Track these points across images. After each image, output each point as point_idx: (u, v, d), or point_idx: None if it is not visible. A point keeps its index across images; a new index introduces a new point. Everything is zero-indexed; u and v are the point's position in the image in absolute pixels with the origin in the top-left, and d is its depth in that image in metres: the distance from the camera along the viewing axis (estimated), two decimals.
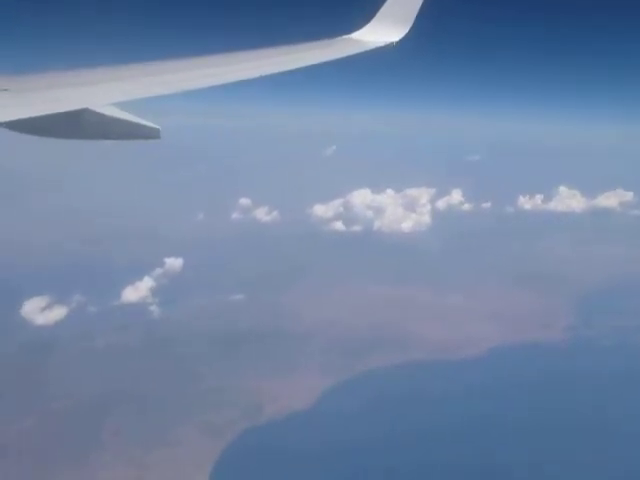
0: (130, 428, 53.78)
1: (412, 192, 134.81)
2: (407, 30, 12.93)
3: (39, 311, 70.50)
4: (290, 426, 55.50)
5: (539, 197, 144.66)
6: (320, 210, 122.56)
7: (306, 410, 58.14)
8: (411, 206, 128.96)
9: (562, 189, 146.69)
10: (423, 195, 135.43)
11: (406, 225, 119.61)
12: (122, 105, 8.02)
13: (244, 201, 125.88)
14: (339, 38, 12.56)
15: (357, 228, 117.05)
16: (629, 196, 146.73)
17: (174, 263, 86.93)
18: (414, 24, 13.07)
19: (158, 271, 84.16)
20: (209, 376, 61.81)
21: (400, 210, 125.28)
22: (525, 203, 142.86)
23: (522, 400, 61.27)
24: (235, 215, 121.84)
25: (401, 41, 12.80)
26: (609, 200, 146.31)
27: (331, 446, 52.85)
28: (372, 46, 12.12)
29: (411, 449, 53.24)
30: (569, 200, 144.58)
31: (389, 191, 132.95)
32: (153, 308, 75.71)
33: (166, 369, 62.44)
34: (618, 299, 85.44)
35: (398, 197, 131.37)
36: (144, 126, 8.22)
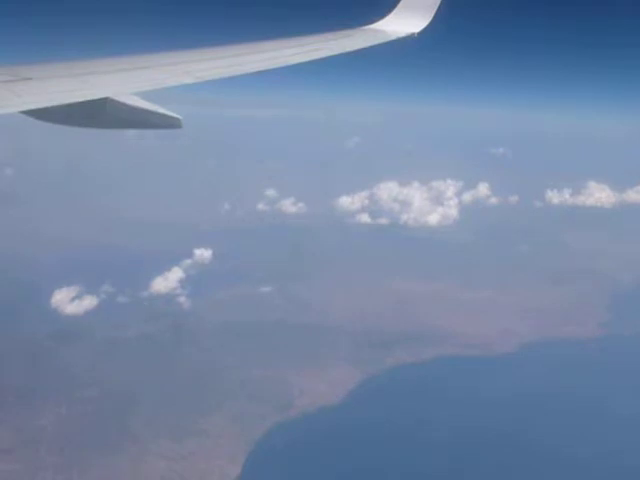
0: (160, 418, 54.00)
1: (438, 185, 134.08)
2: (428, 21, 12.88)
3: (69, 301, 70.94)
4: (322, 420, 55.50)
5: (567, 191, 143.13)
6: (346, 202, 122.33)
7: (337, 404, 58.11)
8: (437, 199, 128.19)
9: (591, 183, 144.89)
10: (449, 188, 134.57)
11: (433, 218, 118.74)
12: (143, 94, 8.02)
13: (270, 192, 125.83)
14: (360, 28, 12.53)
15: (383, 221, 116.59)
16: None
17: (202, 254, 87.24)
18: (435, 15, 13.01)
19: (187, 262, 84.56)
20: (238, 368, 61.77)
21: (427, 203, 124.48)
22: (553, 197, 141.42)
23: (554, 396, 60.81)
24: (261, 206, 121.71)
25: (422, 32, 12.73)
26: (639, 195, 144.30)
27: (363, 441, 52.77)
28: (393, 37, 12.10)
29: (443, 445, 52.99)
30: (598, 194, 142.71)
31: (415, 184, 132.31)
32: (182, 299, 75.97)
33: (195, 360, 62.55)
34: None
35: (424, 190, 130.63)
36: (166, 115, 8.20)
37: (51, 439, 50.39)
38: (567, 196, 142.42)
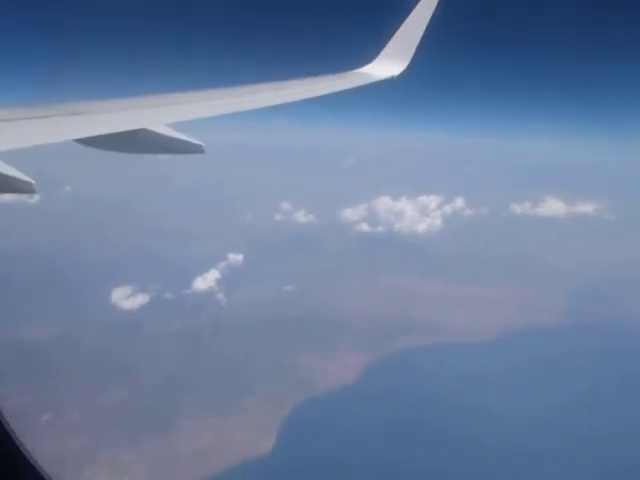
0: (205, 398, 52.68)
1: (423, 199, 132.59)
2: (406, 66, 13.02)
3: (125, 298, 69.74)
4: (341, 396, 54.66)
5: (527, 204, 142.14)
6: (348, 213, 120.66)
7: (353, 383, 57.38)
8: (423, 211, 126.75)
9: (547, 197, 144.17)
10: (432, 202, 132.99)
11: (421, 227, 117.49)
12: (173, 125, 8.01)
13: (284, 205, 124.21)
14: (350, 72, 12.69)
15: (380, 229, 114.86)
16: (603, 203, 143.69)
17: (235, 258, 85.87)
18: (412, 60, 13.24)
19: (222, 265, 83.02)
20: (268, 354, 60.64)
21: (415, 214, 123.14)
22: (516, 209, 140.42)
23: (532, 372, 59.92)
24: (278, 217, 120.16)
25: (400, 75, 13.01)
26: (586, 207, 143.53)
27: (378, 412, 51.68)
28: (377, 79, 12.30)
29: (444, 412, 52.13)
30: (553, 206, 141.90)
31: (404, 198, 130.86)
32: (220, 296, 74.70)
33: (232, 348, 61.19)
34: (600, 289, 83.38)
35: (412, 203, 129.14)
36: (191, 143, 7.96)
37: (115, 418, 49.03)
38: (527, 208, 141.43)
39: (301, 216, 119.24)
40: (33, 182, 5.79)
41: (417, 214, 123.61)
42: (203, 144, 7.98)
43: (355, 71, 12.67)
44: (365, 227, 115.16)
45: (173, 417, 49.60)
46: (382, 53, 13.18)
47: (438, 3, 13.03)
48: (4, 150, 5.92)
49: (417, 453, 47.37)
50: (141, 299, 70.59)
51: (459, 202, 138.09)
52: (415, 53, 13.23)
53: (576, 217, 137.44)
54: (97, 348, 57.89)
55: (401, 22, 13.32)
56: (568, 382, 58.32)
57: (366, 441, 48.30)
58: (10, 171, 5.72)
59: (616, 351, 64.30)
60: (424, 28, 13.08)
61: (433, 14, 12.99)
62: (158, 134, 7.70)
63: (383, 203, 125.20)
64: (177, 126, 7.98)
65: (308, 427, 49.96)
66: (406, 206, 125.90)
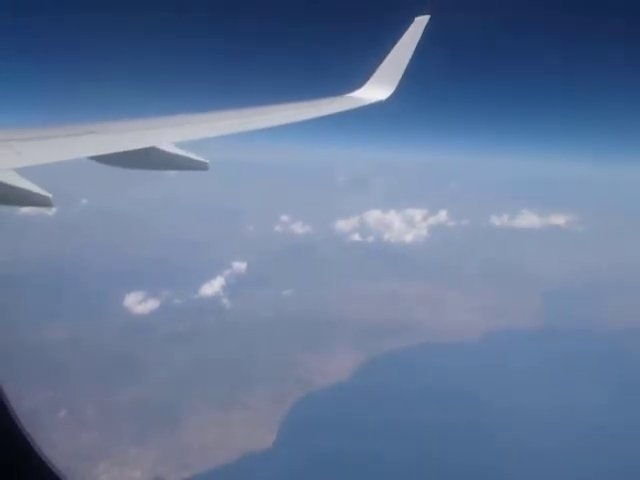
0: (211, 394, 52.14)
1: (410, 212, 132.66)
2: (393, 91, 13.22)
3: (137, 303, 69.25)
4: (337, 393, 54.09)
5: (506, 216, 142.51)
6: (342, 225, 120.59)
7: (348, 381, 56.95)
8: (410, 222, 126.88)
9: (523, 210, 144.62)
10: (418, 215, 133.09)
11: (408, 237, 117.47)
12: (180, 144, 8.05)
13: (283, 218, 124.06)
14: (343, 96, 12.86)
15: (371, 239, 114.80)
16: (573, 216, 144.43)
17: (239, 266, 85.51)
18: (399, 86, 13.41)
19: (227, 272, 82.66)
20: (269, 354, 60.03)
21: (402, 225, 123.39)
22: (496, 221, 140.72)
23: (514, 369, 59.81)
24: (277, 228, 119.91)
25: (387, 99, 13.19)
26: (558, 219, 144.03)
27: (373, 409, 51.26)
28: (366, 102, 12.52)
29: (432, 404, 52.18)
30: (529, 218, 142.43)
31: (392, 211, 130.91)
32: (225, 301, 74.32)
33: (236, 348, 60.74)
34: (571, 294, 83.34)
35: (400, 215, 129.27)
36: (196, 160, 7.94)
37: (127, 414, 48.43)
38: (506, 220, 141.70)
39: (299, 227, 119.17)
40: (50, 196, 5.69)
41: (404, 225, 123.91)
42: (208, 161, 7.96)
43: (347, 95, 12.70)
44: (357, 237, 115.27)
45: (180, 413, 49.00)
46: (371, 79, 13.24)
47: (423, 32, 13.09)
48: (24, 166, 5.86)
49: (406, 444, 46.94)
50: (152, 304, 70.22)
51: (443, 215, 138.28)
52: (402, 78, 13.27)
53: (549, 228, 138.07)
54: (110, 349, 57.35)
55: (389, 50, 13.34)
56: (545, 380, 58.32)
57: (361, 434, 47.76)
58: (30, 186, 5.64)
59: (588, 353, 64.27)
60: (410, 56, 13.12)
61: (419, 42, 13.04)
62: (167, 152, 7.69)
63: (373, 215, 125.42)
64: (184, 145, 7.98)
65: (307, 422, 49.34)
66: (394, 218, 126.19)
